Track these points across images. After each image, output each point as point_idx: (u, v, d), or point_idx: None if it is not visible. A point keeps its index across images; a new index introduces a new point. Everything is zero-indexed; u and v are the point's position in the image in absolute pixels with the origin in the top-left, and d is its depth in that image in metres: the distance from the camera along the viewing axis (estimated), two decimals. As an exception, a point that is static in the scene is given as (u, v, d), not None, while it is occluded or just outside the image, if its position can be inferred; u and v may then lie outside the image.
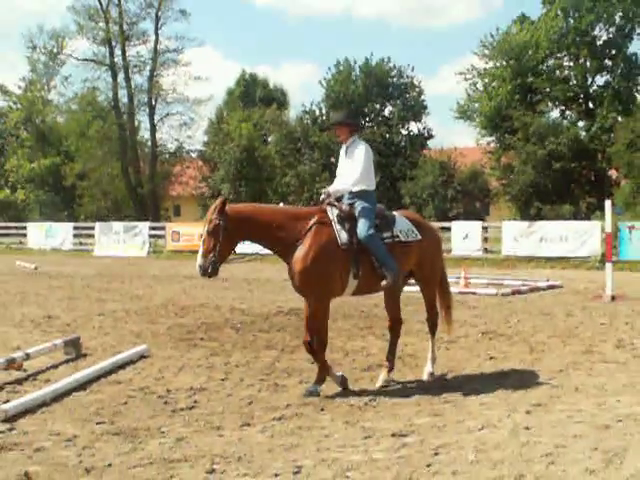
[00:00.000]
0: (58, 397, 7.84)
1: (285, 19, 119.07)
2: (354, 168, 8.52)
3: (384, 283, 8.31)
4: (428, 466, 5.55)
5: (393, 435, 6.44)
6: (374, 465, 5.63)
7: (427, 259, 8.90)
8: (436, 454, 5.84)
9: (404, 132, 52.04)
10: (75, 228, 40.22)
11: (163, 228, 36.69)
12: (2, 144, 63.81)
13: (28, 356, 9.38)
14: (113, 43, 53.47)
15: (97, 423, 6.99)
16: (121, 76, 53.80)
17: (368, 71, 52.35)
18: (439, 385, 8.51)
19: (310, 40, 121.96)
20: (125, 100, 54.33)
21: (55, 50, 57.13)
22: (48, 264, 29.32)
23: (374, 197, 8.63)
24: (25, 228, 42.10)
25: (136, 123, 55.60)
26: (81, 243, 39.51)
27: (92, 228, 38.45)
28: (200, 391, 8.22)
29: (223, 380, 8.75)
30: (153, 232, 36.53)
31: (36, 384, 8.58)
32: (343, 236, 8.22)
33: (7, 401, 7.55)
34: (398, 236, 8.55)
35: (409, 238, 8.62)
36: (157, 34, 53.51)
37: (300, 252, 8.14)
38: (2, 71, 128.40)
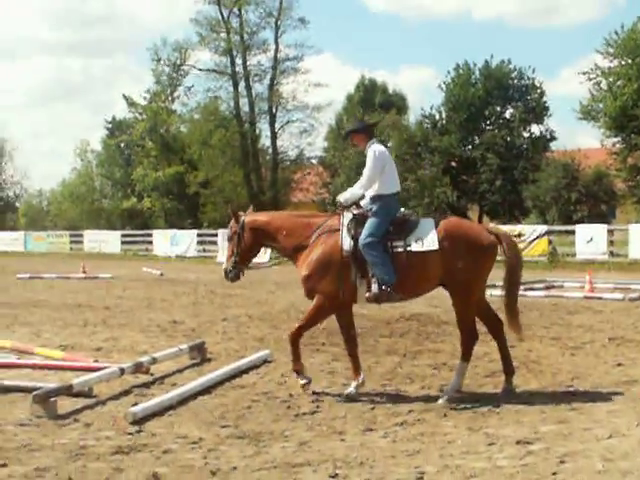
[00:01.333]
0: (184, 400, 8.01)
1: (402, 23, 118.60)
2: (363, 173, 8.58)
3: (367, 295, 8.23)
4: (554, 474, 5.45)
5: (518, 442, 6.33)
6: (498, 472, 5.56)
7: (452, 271, 8.19)
8: (562, 462, 5.72)
9: (526, 134, 51.08)
10: (199, 235, 41.06)
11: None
12: (129, 154, 65.65)
13: (155, 360, 9.61)
14: (234, 53, 54.32)
15: (222, 426, 7.11)
16: (242, 85, 54.62)
17: (488, 73, 51.68)
18: (564, 392, 8.32)
19: (428, 43, 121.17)
20: (246, 109, 55.11)
21: (178, 62, 58.43)
22: (173, 271, 30.02)
23: (390, 202, 8.54)
24: (151, 235, 43.22)
25: (257, 131, 56.35)
26: (204, 250, 40.27)
27: (215, 235, 39.15)
28: (322, 396, 8.26)
29: (345, 385, 8.77)
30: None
31: (163, 388, 8.78)
32: (346, 243, 8.27)
33: (136, 404, 7.76)
34: (410, 245, 8.22)
35: (423, 248, 8.16)
36: (277, 43, 54.14)
37: (304, 258, 8.45)
38: (129, 84, 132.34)
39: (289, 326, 12.81)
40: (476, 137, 51.87)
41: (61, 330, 13.41)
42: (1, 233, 53.62)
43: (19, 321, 14.70)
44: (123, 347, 11.53)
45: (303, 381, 8.46)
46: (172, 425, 7.19)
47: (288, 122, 55.86)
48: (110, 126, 69.95)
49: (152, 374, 9.47)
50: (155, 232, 43.99)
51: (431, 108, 53.73)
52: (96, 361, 9.97)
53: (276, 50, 54.08)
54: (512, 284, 8.57)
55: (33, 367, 9.88)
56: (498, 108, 52.02)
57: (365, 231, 8.20)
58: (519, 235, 29.78)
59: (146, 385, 8.95)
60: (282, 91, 54.82)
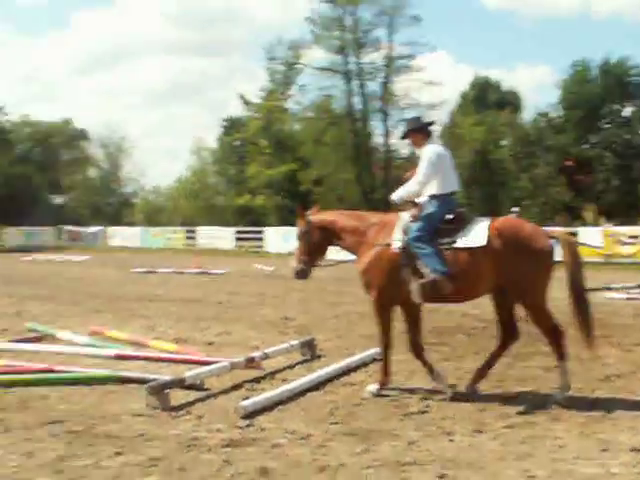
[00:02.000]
0: (294, 396, 8.09)
1: (517, 20, 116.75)
2: (417, 172, 8.63)
3: (421, 281, 8.16)
4: (670, 483, 5.30)
5: (632, 450, 6.17)
6: (611, 479, 5.44)
7: (504, 272, 8.03)
8: (679, 471, 5.56)
9: (645, 133, 49.74)
10: (311, 233, 41.22)
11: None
12: (243, 152, 66.49)
13: (267, 356, 9.73)
14: (347, 51, 54.48)
15: (331, 423, 7.15)
16: (355, 83, 54.73)
17: (606, 70, 50.48)
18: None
19: (545, 41, 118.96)
20: (359, 107, 55.21)
21: (292, 60, 58.95)
22: (285, 267, 30.28)
23: (445, 201, 8.45)
24: (263, 232, 43.69)
25: (370, 129, 56.36)
26: (316, 247, 40.43)
27: (327, 233, 39.23)
28: (432, 395, 8.22)
29: (455, 385, 8.70)
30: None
31: (273, 383, 8.88)
32: (397, 240, 8.36)
33: (246, 398, 7.87)
34: (456, 242, 8.15)
35: (469, 244, 8.08)
36: (390, 41, 54.05)
37: (361, 254, 8.70)
38: (244, 82, 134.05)
39: (399, 325, 12.81)
40: (592, 135, 50.76)
41: (175, 324, 13.70)
42: (119, 228, 55.04)
43: (135, 314, 15.08)
44: (234, 342, 11.70)
45: (375, 391, 8.43)
46: (281, 420, 7.27)
47: (401, 120, 55.66)
48: (225, 124, 71.00)
49: (263, 369, 9.59)
50: (267, 229, 44.49)
51: (546, 106, 52.91)
52: (208, 355, 10.15)
53: (390, 48, 53.99)
54: (574, 291, 8.29)
55: (148, 359, 10.13)
56: (616, 106, 50.75)
57: (414, 227, 8.28)
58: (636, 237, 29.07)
59: (256, 380, 9.06)
60: (395, 89, 54.66)
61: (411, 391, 8.44)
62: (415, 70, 54.01)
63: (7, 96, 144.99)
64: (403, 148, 56.68)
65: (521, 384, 8.86)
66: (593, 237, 31.17)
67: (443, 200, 8.45)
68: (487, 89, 65.00)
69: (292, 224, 45.72)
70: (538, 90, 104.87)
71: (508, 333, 8.66)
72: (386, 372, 8.60)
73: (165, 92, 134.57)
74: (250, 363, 9.39)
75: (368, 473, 5.67)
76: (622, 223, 36.17)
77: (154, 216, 73.58)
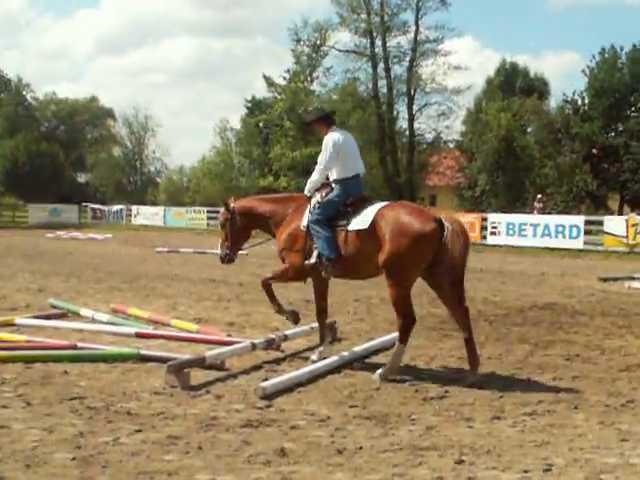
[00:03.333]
0: (314, 378, 8.10)
1: (547, 6, 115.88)
2: (318, 160, 9.30)
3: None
4: (691, 474, 5.26)
5: (653, 440, 6.14)
6: (630, 470, 5.40)
7: (381, 253, 8.32)
8: (700, 462, 5.52)
9: (673, 122, 49.28)
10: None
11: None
12: (267, 133, 66.50)
13: (286, 337, 9.75)
14: (374, 34, 54.31)
15: (350, 406, 7.16)
16: (381, 66, 54.59)
17: (635, 58, 50.01)
18: None
19: (574, 27, 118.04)
20: (384, 90, 55.05)
21: (318, 42, 58.85)
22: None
23: (348, 184, 9.01)
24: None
25: (395, 113, 56.22)
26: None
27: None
28: (451, 381, 8.21)
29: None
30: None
31: (293, 365, 8.89)
32: (304, 221, 9.06)
33: (266, 379, 7.89)
34: (349, 224, 8.66)
35: (357, 226, 8.58)
36: (417, 25, 53.87)
37: (279, 234, 9.42)
38: (269, 64, 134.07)
39: (420, 310, 12.82)
40: (620, 124, 50.37)
41: (196, 304, 13.75)
42: (142, 207, 55.22)
43: (156, 293, 15.15)
44: (255, 323, 11.74)
45: (286, 314, 9.63)
46: (301, 402, 7.28)
47: (426, 105, 55.55)
48: (250, 105, 71.00)
49: (283, 351, 9.61)
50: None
51: (573, 94, 52.54)
52: (229, 335, 10.18)
53: (416, 32, 53.83)
54: (450, 280, 8.32)
55: (168, 338, 10.17)
56: (645, 94, 50.30)
57: (315, 210, 8.94)
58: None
59: (277, 361, 9.08)
60: (421, 73, 54.51)
61: (430, 376, 8.43)
62: (441, 54, 53.82)
63: (34, 74, 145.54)
64: (427, 132, 56.60)
65: (541, 372, 8.81)
66: (617, 226, 30.96)
67: (344, 184, 9.01)
68: (514, 75, 64.65)
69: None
70: (565, 77, 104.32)
71: (458, 313, 8.63)
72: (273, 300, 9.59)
73: (190, 72, 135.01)
74: (270, 344, 9.42)
75: (386, 457, 5.67)
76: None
77: (177, 196, 73.82)
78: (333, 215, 8.83)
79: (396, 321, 8.63)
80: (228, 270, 20.16)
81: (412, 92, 54.76)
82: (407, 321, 8.45)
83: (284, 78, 63.21)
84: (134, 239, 36.52)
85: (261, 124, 67.58)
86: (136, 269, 20.62)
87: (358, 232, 8.56)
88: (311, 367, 8.40)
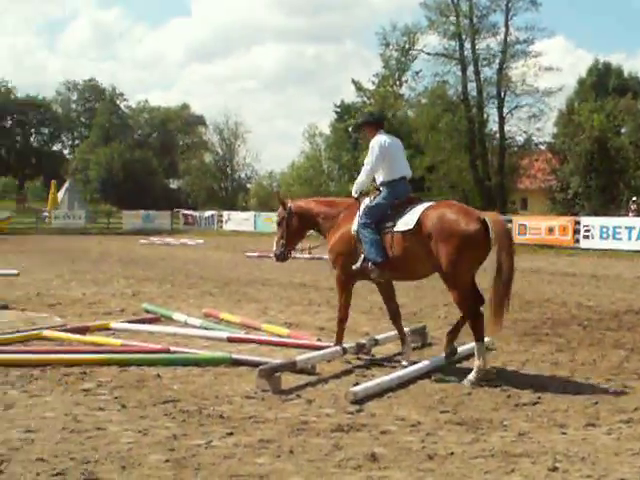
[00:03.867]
0: (404, 383, 8.07)
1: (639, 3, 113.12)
2: (364, 162, 9.53)
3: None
4: None
5: None
6: None
7: (432, 253, 8.47)
8: None
9: None
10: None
11: (510, 221, 36.49)
12: (356, 138, 66.49)
13: (376, 342, 9.74)
14: (463, 37, 53.81)
15: (441, 411, 7.11)
16: (470, 69, 54.04)
17: None
18: None
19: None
20: (474, 93, 54.52)
21: (407, 46, 58.60)
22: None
23: (395, 187, 9.17)
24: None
25: (485, 116, 55.58)
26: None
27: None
28: (544, 387, 8.08)
29: (568, 377, 8.55)
30: (499, 225, 36.43)
31: (383, 369, 8.88)
32: (355, 224, 9.19)
33: (356, 384, 7.90)
34: (395, 225, 8.80)
35: (402, 227, 8.72)
36: (507, 26, 53.05)
37: (330, 236, 9.60)
38: (358, 69, 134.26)
39: (511, 315, 12.66)
40: None
41: (286, 308, 13.84)
42: (233, 213, 55.80)
43: (248, 298, 15.29)
44: (345, 327, 11.74)
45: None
46: (391, 407, 7.27)
47: (516, 107, 54.70)
48: (339, 110, 71.14)
49: (373, 355, 9.61)
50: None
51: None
52: (319, 340, 10.22)
53: (506, 33, 53.03)
54: (500, 277, 8.39)
55: (259, 342, 10.26)
56: None
57: (363, 214, 9.11)
58: None
59: (367, 366, 9.08)
60: (511, 75, 53.71)
61: (523, 382, 8.31)
62: (532, 55, 52.98)
63: (127, 83, 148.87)
64: (518, 135, 55.83)
65: (637, 378, 8.60)
66: None
67: (392, 186, 9.18)
68: (607, 75, 63.37)
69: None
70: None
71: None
72: (339, 340, 9.43)
73: (280, 78, 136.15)
74: (361, 349, 9.42)
75: (477, 463, 5.62)
76: None
77: (267, 201, 74.33)
78: (381, 218, 8.99)
79: (468, 322, 8.72)
80: (319, 275, 20.28)
81: (502, 94, 54.04)
82: (476, 318, 8.59)
83: (373, 82, 63.26)
84: (225, 244, 36.96)
85: (350, 129, 67.62)
86: (228, 274, 20.86)
87: (404, 233, 8.70)
88: (401, 372, 8.37)
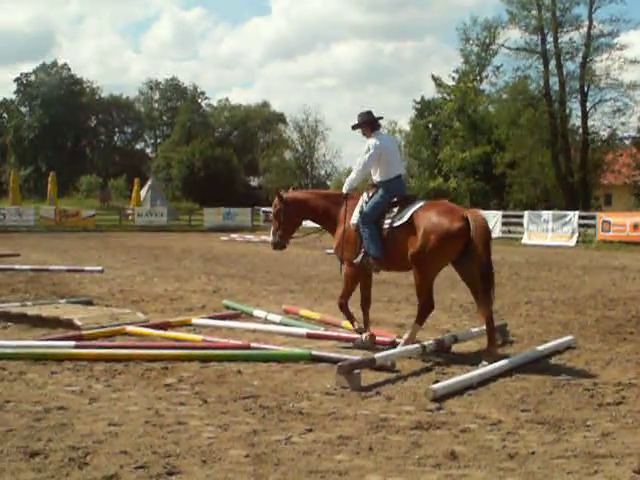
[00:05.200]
0: (484, 381, 7.99)
1: None
2: (357, 161, 10.15)
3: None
4: None
5: None
6: None
7: (414, 242, 9.17)
8: None
9: None
10: (504, 216, 40.71)
11: (593, 217, 35.90)
12: (436, 134, 66.19)
13: (457, 339, 9.68)
14: (545, 30, 53.06)
15: (522, 410, 7.02)
16: (553, 63, 53.25)
17: None
18: None
19: None
20: (556, 87, 53.70)
21: (487, 41, 58.11)
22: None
23: (390, 186, 9.78)
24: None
25: (567, 110, 54.72)
26: (510, 231, 39.90)
27: (521, 217, 38.74)
28: (629, 387, 7.92)
29: (654, 377, 8.37)
30: (583, 222, 35.91)
31: (463, 367, 8.80)
32: (354, 219, 9.81)
33: (436, 382, 7.85)
34: (392, 221, 9.47)
35: (398, 222, 9.40)
36: (590, 18, 52.11)
37: (334, 232, 10.24)
38: (438, 65, 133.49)
39: (595, 313, 12.47)
40: None
41: (366, 305, 13.80)
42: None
43: (327, 295, 15.33)
44: (425, 325, 11.64)
45: (365, 334, 9.90)
46: (471, 405, 7.21)
47: (600, 101, 53.73)
48: (418, 107, 70.82)
49: (453, 353, 9.54)
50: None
51: None
52: (399, 337, 10.18)
53: (589, 26, 52.07)
54: (479, 264, 8.93)
55: (339, 339, 10.27)
56: None
57: (363, 210, 9.73)
58: None
59: (447, 363, 9.02)
60: (595, 69, 52.75)
61: (606, 381, 8.16)
62: (617, 48, 51.93)
63: (208, 82, 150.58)
64: (602, 130, 54.82)
65: None
66: None
67: (387, 185, 9.78)
68: (695, 66, 61.78)
69: (486, 207, 45.38)
70: None
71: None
72: (351, 319, 10.29)
73: (360, 75, 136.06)
74: (440, 346, 9.37)
75: (560, 463, 5.53)
76: None
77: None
78: (379, 215, 9.61)
79: (418, 306, 9.51)
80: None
81: (585, 89, 53.13)
82: (427, 306, 9.45)
83: (453, 78, 62.81)
84: (305, 241, 37.05)
85: (430, 125, 67.27)
86: (307, 271, 20.95)
87: (399, 229, 9.38)
88: (482, 370, 8.29)
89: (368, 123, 10.11)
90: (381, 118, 10.34)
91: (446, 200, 10.78)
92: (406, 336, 9.40)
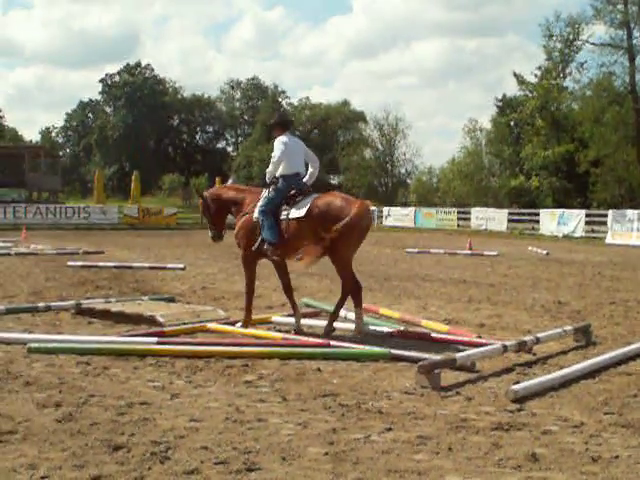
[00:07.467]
0: (566, 383, 7.87)
1: None
2: (271, 158, 10.87)
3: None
4: None
5: None
6: None
7: (320, 238, 10.01)
8: None
9: None
10: (587, 215, 40.06)
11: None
12: (518, 132, 65.45)
13: (538, 340, 9.54)
14: (631, 25, 52.07)
15: (605, 413, 6.89)
16: (639, 59, 52.21)
17: None
18: None
19: None
20: (642, 84, 52.65)
21: (571, 37, 57.24)
22: (559, 250, 29.60)
23: (290, 180, 10.70)
24: (538, 214, 42.89)
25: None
26: (593, 230, 39.26)
27: (605, 216, 38.06)
28: None
29: None
30: (669, 220, 35.13)
31: (545, 368, 8.68)
32: (256, 211, 10.64)
33: (517, 382, 7.75)
34: (290, 213, 10.38)
35: (295, 215, 10.32)
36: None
37: (237, 219, 11.12)
38: (520, 62, 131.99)
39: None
40: None
41: (446, 304, 13.75)
42: (393, 209, 55.93)
43: (407, 293, 15.29)
44: (506, 325, 11.57)
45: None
46: (553, 406, 7.10)
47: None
48: (500, 104, 70.14)
49: (535, 354, 9.42)
50: (542, 211, 43.55)
51: None
52: (479, 337, 10.10)
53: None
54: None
55: (419, 338, 10.23)
56: None
57: (262, 201, 10.63)
58: None
59: (528, 364, 8.90)
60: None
61: (694, 384, 7.96)
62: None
63: (289, 81, 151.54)
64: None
65: None
66: None
67: (287, 180, 10.69)
68: None
69: (569, 206, 44.72)
70: None
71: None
72: (248, 311, 10.84)
73: (440, 72, 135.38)
74: (522, 347, 9.26)
75: (644, 468, 5.42)
76: None
77: (427, 196, 74.05)
78: (278, 206, 10.52)
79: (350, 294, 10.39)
80: (479, 271, 20.09)
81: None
82: (352, 287, 10.41)
83: (535, 75, 62.09)
84: (385, 240, 37.02)
85: (512, 123, 66.55)
86: (387, 270, 20.91)
87: (297, 220, 10.28)
88: (564, 371, 8.17)
89: (282, 124, 11.10)
90: (291, 121, 12.00)
91: (337, 191, 11.83)
92: (357, 325, 10.44)
